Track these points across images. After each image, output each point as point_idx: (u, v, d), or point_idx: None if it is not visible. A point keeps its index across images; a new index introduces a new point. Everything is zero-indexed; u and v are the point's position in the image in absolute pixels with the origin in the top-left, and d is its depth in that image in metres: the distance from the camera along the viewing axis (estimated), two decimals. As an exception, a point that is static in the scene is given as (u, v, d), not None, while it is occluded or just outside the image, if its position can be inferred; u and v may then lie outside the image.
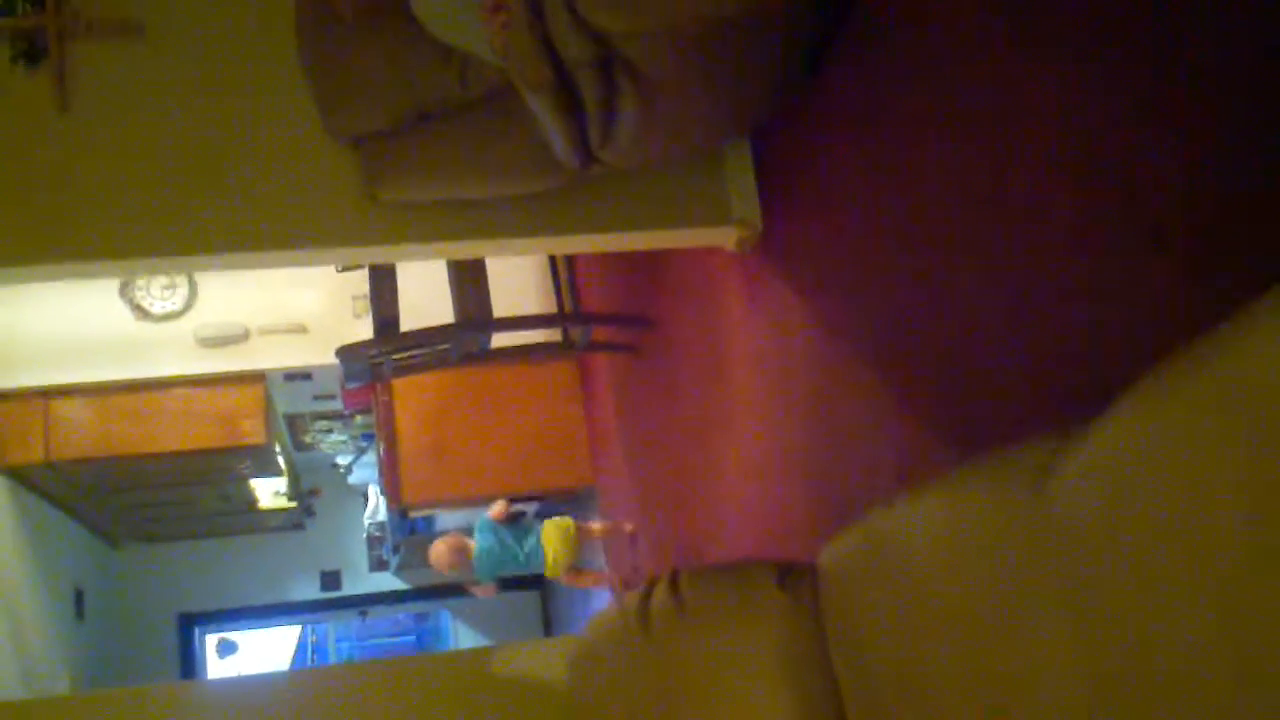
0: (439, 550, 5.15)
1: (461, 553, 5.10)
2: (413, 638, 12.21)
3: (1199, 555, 0.93)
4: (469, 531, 5.33)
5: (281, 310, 6.27)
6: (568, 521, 5.24)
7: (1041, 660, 1.18)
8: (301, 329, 6.28)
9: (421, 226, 3.12)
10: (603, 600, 6.42)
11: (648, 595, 1.86)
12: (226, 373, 6.26)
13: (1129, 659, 1.03)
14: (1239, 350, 0.89)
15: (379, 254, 3.41)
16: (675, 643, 1.77)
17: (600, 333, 5.18)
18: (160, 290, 6.09)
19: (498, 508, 5.19)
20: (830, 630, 1.64)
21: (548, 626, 9.40)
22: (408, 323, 4.59)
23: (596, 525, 5.55)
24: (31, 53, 2.91)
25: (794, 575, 1.72)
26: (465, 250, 3.41)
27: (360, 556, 8.79)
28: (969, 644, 1.30)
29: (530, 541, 5.11)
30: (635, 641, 1.84)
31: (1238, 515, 0.88)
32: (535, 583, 8.51)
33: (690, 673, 1.74)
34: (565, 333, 5.22)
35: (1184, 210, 1.57)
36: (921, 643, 1.41)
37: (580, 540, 5.23)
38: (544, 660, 2.86)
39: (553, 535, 5.13)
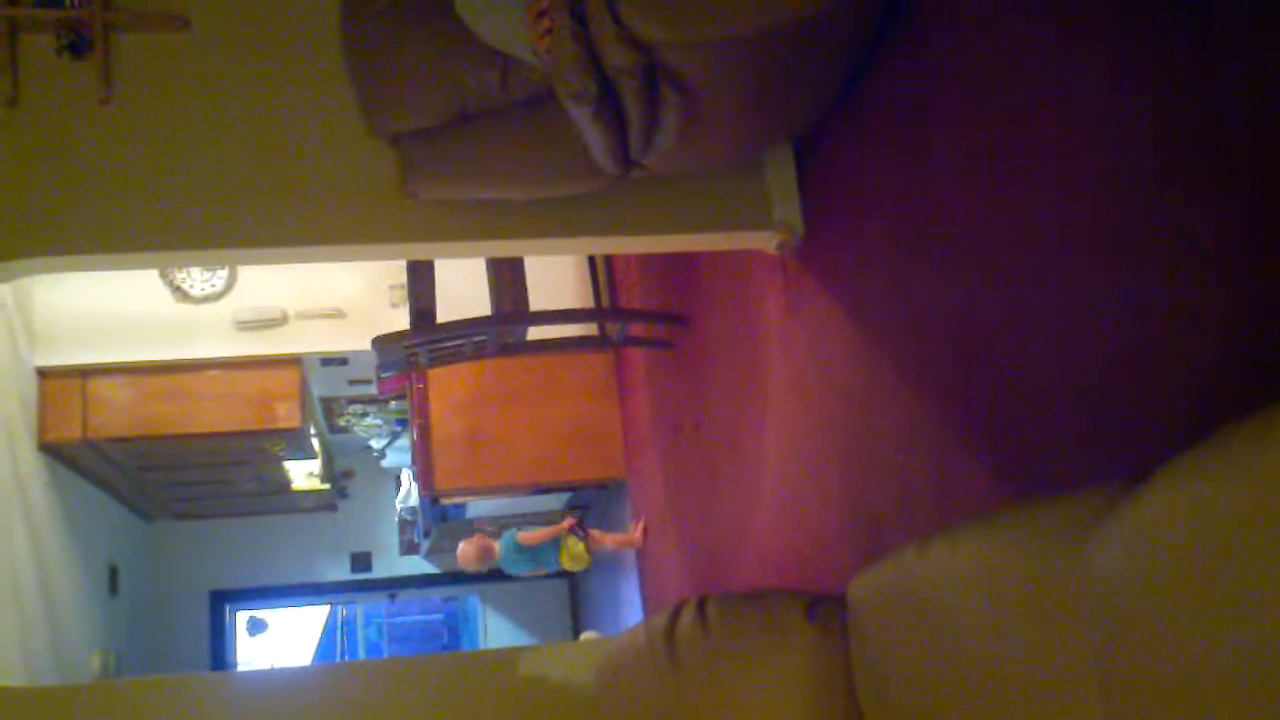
0: (466, 551, 5.69)
1: (487, 552, 5.68)
2: (441, 615, 12.25)
3: (1232, 631, 0.91)
4: (499, 522, 5.99)
5: (319, 295, 6.28)
6: (580, 548, 5.89)
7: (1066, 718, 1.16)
8: (339, 314, 6.30)
9: (459, 225, 3.11)
10: (631, 594, 6.43)
11: (675, 618, 1.85)
12: (263, 356, 6.29)
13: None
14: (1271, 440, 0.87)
15: (416, 251, 3.40)
16: (700, 669, 1.76)
17: (637, 329, 5.16)
18: (200, 272, 6.12)
19: (531, 534, 5.83)
20: (856, 664, 1.62)
21: (575, 614, 9.41)
22: (445, 312, 4.56)
23: (610, 539, 6.03)
24: (77, 44, 2.92)
25: (823, 608, 1.69)
26: (502, 249, 3.41)
27: (392, 539, 8.82)
28: (995, 694, 1.29)
29: (552, 557, 5.82)
30: (661, 664, 1.83)
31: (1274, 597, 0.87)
32: (565, 571, 8.57)
33: (714, 700, 1.73)
34: (602, 328, 5.20)
35: (1231, 232, 1.53)
36: (948, 686, 1.39)
37: (592, 552, 5.89)
38: (572, 666, 2.86)
39: (565, 555, 5.85)
